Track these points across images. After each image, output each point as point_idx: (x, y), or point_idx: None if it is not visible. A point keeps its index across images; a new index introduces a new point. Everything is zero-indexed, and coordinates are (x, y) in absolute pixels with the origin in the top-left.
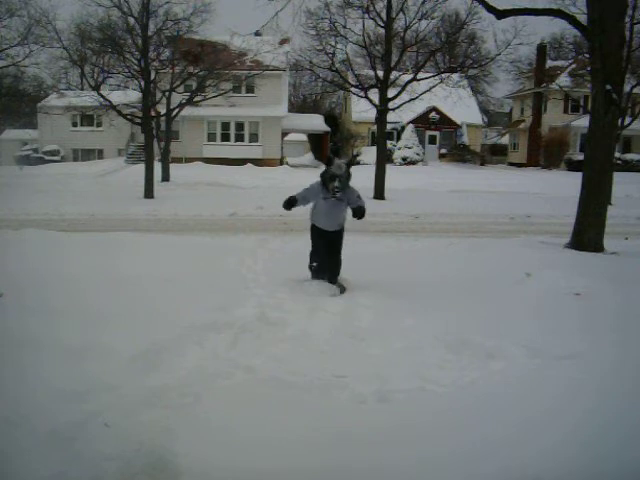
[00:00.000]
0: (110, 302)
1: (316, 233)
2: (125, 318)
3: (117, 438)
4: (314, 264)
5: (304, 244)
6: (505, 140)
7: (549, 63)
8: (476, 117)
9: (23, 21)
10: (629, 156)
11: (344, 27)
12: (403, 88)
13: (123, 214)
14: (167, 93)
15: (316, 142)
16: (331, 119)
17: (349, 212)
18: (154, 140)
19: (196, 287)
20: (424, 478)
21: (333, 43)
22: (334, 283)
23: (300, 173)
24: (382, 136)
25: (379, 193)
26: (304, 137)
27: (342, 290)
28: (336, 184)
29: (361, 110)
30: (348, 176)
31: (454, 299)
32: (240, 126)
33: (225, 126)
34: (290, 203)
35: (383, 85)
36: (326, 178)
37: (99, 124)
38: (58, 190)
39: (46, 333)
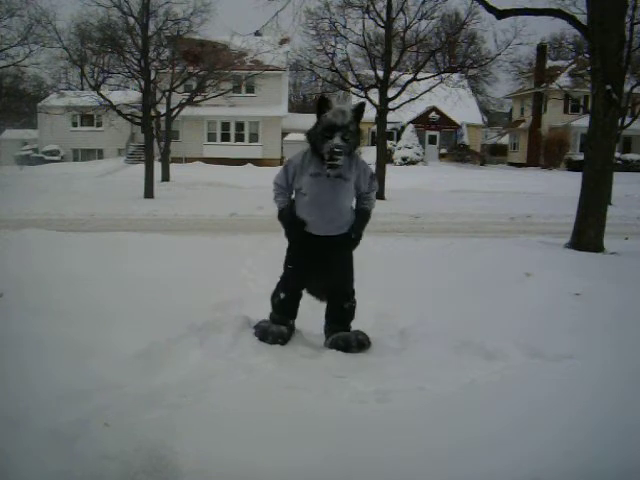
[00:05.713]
0: (110, 302)
1: (301, 244)
2: (125, 318)
3: (118, 437)
4: (282, 296)
5: None
6: (505, 140)
7: (549, 63)
8: (476, 117)
9: (23, 21)
10: (629, 156)
11: (344, 27)
12: (403, 88)
13: (123, 214)
14: (167, 93)
15: None
16: (324, 102)
17: None
18: (154, 140)
19: (196, 287)
20: (424, 477)
21: (333, 43)
22: (347, 329)
23: None
24: (382, 136)
25: (379, 193)
26: (304, 137)
27: (364, 343)
28: (336, 141)
29: None
30: (357, 133)
31: (454, 299)
32: (240, 126)
33: (225, 126)
34: (288, 220)
35: (383, 85)
36: (316, 135)
37: (99, 124)
38: (58, 190)
39: (47, 332)
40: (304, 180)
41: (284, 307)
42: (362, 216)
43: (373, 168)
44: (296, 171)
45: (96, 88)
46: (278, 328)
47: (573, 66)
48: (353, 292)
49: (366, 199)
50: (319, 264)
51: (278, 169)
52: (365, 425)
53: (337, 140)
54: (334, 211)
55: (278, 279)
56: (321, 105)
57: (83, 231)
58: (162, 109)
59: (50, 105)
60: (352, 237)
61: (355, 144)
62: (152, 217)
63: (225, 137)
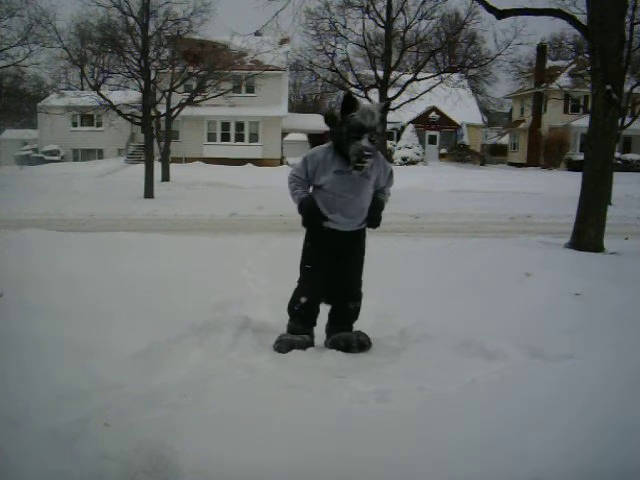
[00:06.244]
0: (110, 302)
1: (320, 239)
2: (126, 318)
3: (118, 437)
4: (303, 300)
5: None
6: (505, 140)
7: (549, 63)
8: (476, 117)
9: (23, 21)
10: (629, 156)
11: (344, 27)
12: (403, 88)
13: (123, 214)
14: (167, 93)
15: (316, 142)
16: (331, 118)
17: None
18: (154, 140)
19: (196, 287)
20: (424, 477)
21: (333, 43)
22: (348, 330)
23: None
24: (382, 136)
25: None
26: (304, 137)
27: (365, 344)
28: (364, 143)
29: None
30: (382, 133)
31: (454, 299)
32: (240, 126)
33: (225, 126)
34: (313, 212)
35: (383, 85)
36: (341, 134)
37: (99, 124)
38: (58, 190)
39: (47, 332)
40: (327, 177)
41: (306, 313)
42: (376, 204)
43: None
44: (318, 167)
45: (96, 88)
46: (304, 339)
47: (573, 66)
48: (361, 294)
49: (382, 192)
50: (334, 261)
51: (279, 169)
52: (365, 425)
53: (365, 142)
54: (355, 209)
55: (288, 286)
56: (347, 104)
57: (83, 231)
58: (162, 109)
59: (50, 105)
60: (367, 224)
61: (379, 144)
62: (152, 217)
63: (225, 137)
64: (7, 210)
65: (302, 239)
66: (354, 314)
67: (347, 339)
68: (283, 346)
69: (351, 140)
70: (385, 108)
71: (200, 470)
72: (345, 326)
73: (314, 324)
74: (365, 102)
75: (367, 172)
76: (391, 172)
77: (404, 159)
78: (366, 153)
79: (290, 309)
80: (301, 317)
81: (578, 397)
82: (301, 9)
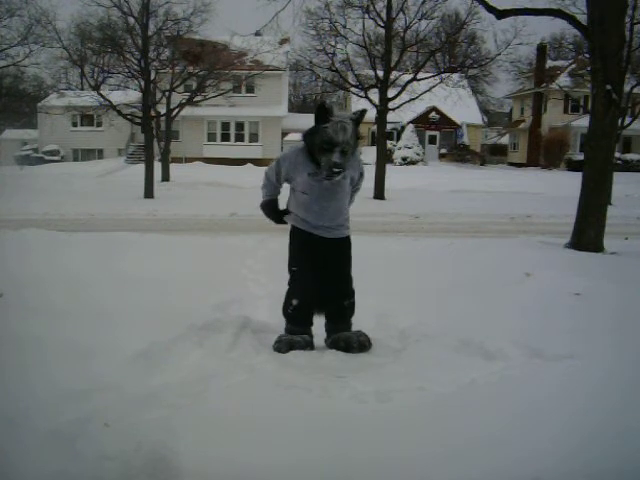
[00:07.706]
0: (110, 302)
1: (301, 243)
2: (125, 318)
3: (118, 437)
4: (295, 302)
5: None
6: (505, 140)
7: (549, 63)
8: (476, 117)
9: (23, 21)
10: (629, 156)
11: (344, 27)
12: (403, 88)
13: (123, 214)
14: (167, 93)
15: None
16: (323, 111)
17: None
18: (154, 140)
19: (196, 287)
20: (424, 477)
21: (333, 43)
22: (348, 329)
23: None
24: (382, 136)
25: (379, 193)
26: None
27: (365, 344)
28: (335, 159)
29: None
30: (356, 140)
31: (454, 299)
32: (240, 126)
33: (225, 126)
34: (274, 209)
35: (383, 85)
36: (315, 145)
37: (99, 124)
38: (58, 190)
39: (47, 332)
40: (302, 179)
41: (300, 314)
42: None
43: (373, 168)
44: (289, 170)
45: (96, 88)
46: (303, 339)
47: (573, 66)
48: (353, 291)
49: (350, 197)
50: (321, 263)
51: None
52: (365, 425)
53: (336, 157)
54: (334, 209)
55: (286, 288)
56: (320, 114)
57: (83, 231)
58: (162, 109)
59: (50, 105)
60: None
61: (355, 147)
62: (152, 217)
63: (225, 137)
64: (7, 210)
65: None
66: (350, 310)
67: (347, 339)
68: (283, 346)
69: (323, 151)
70: (360, 117)
71: (200, 470)
72: (344, 324)
73: (311, 324)
74: (341, 112)
75: (345, 173)
76: (362, 173)
77: (404, 159)
78: (335, 170)
79: (284, 312)
80: (296, 319)
81: (578, 397)
82: (301, 9)
